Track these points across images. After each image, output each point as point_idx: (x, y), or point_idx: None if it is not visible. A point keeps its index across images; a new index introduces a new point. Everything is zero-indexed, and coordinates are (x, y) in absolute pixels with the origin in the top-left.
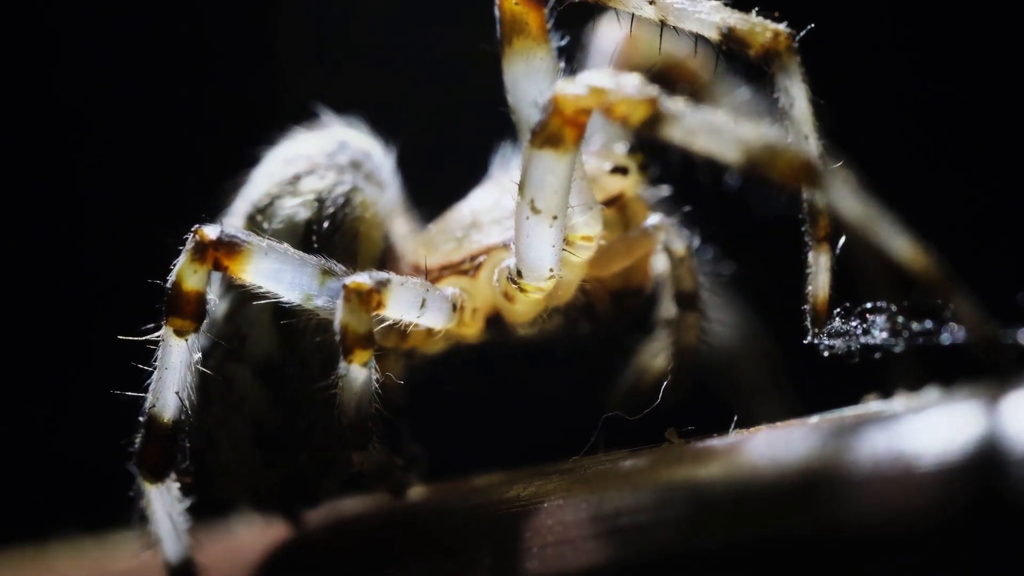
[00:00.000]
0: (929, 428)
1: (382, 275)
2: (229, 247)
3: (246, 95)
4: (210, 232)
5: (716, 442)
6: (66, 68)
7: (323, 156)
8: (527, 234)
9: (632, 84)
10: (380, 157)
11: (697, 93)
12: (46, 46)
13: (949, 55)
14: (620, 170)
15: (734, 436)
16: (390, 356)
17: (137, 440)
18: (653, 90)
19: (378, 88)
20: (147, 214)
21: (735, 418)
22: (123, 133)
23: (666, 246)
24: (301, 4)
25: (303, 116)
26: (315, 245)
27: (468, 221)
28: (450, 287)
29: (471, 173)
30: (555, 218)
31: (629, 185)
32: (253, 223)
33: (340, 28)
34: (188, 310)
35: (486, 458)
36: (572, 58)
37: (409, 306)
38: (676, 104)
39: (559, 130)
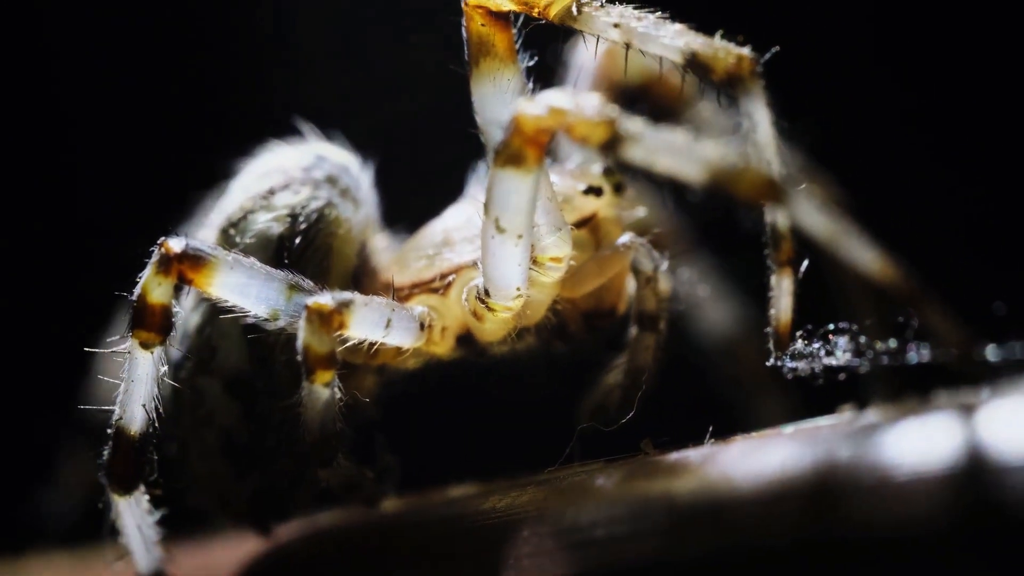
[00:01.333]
0: (905, 438)
1: (345, 295)
2: (194, 260)
3: (224, 107)
4: (175, 245)
5: (691, 453)
6: (38, 81)
7: (299, 170)
8: (493, 253)
9: (591, 105)
10: (357, 172)
11: (678, 108)
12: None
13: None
14: (594, 190)
15: (709, 447)
16: (361, 372)
17: (106, 452)
18: (613, 111)
19: (358, 103)
20: (121, 225)
21: (710, 428)
22: (101, 141)
23: (634, 266)
24: (283, 17)
25: (282, 129)
26: (286, 261)
27: (440, 239)
28: (419, 305)
29: (449, 190)
30: (520, 237)
31: (603, 206)
32: (226, 237)
33: (321, 42)
34: (153, 323)
35: (461, 469)
36: (552, 74)
37: (373, 326)
38: (636, 125)
39: (520, 149)
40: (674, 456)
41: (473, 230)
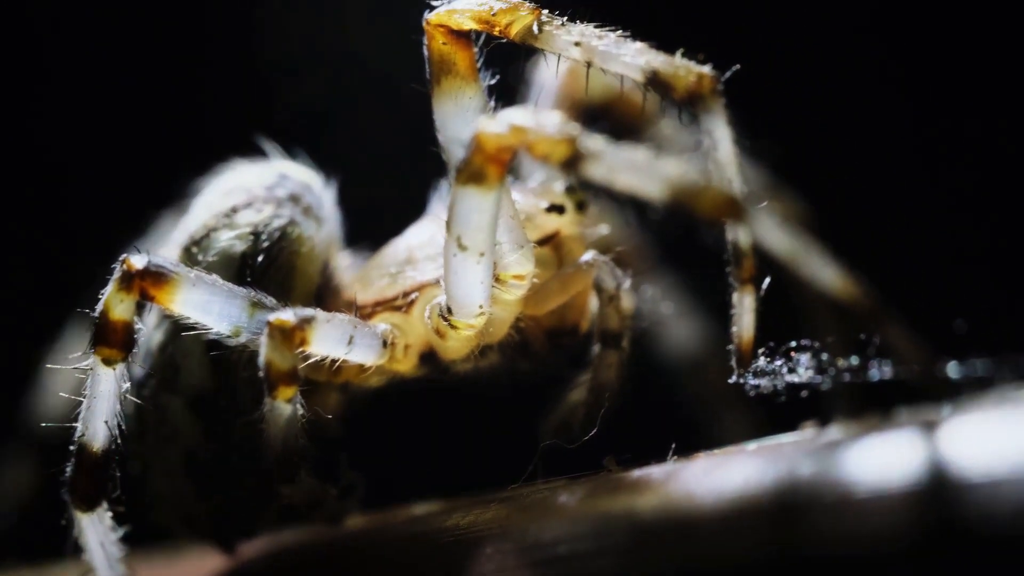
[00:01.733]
0: (866, 455)
1: (307, 312)
2: (156, 277)
3: (187, 125)
4: (137, 262)
5: (654, 470)
6: None
7: (262, 189)
8: (455, 271)
9: (552, 123)
10: (320, 191)
11: (640, 126)
12: None
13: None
14: (556, 208)
15: (672, 464)
16: (324, 390)
17: (68, 469)
18: (574, 129)
19: (321, 121)
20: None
21: (673, 446)
22: (61, 158)
23: (597, 283)
24: (247, 35)
25: (245, 147)
26: (249, 279)
27: (403, 257)
28: (383, 323)
29: (413, 208)
30: (482, 255)
31: (566, 223)
32: (189, 255)
33: (285, 60)
34: (115, 339)
35: (425, 487)
36: (514, 93)
37: (336, 343)
38: (597, 143)
39: (482, 167)
40: (637, 473)
41: (436, 248)
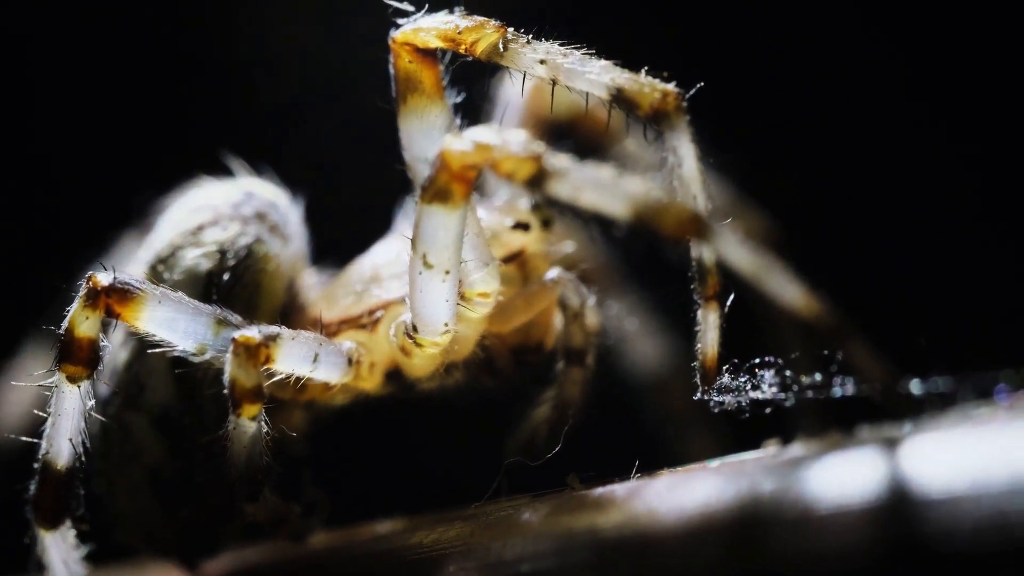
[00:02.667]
0: (828, 472)
1: (272, 329)
2: (122, 293)
3: (152, 142)
4: (103, 278)
5: (618, 487)
6: None
7: (228, 207)
8: (420, 289)
9: (517, 141)
10: (286, 208)
11: (605, 144)
12: None
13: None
14: (521, 226)
15: (636, 481)
16: (289, 407)
17: (32, 486)
18: (539, 147)
19: (288, 139)
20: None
21: (636, 463)
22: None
23: (562, 301)
24: (213, 52)
25: (211, 165)
26: (215, 297)
27: (368, 275)
28: (348, 341)
29: (377, 226)
30: (447, 273)
31: (531, 241)
32: (155, 273)
33: (250, 78)
34: (81, 356)
35: (389, 504)
36: (479, 111)
37: (301, 360)
38: (562, 161)
39: (447, 185)
40: (600, 490)
41: (401, 266)
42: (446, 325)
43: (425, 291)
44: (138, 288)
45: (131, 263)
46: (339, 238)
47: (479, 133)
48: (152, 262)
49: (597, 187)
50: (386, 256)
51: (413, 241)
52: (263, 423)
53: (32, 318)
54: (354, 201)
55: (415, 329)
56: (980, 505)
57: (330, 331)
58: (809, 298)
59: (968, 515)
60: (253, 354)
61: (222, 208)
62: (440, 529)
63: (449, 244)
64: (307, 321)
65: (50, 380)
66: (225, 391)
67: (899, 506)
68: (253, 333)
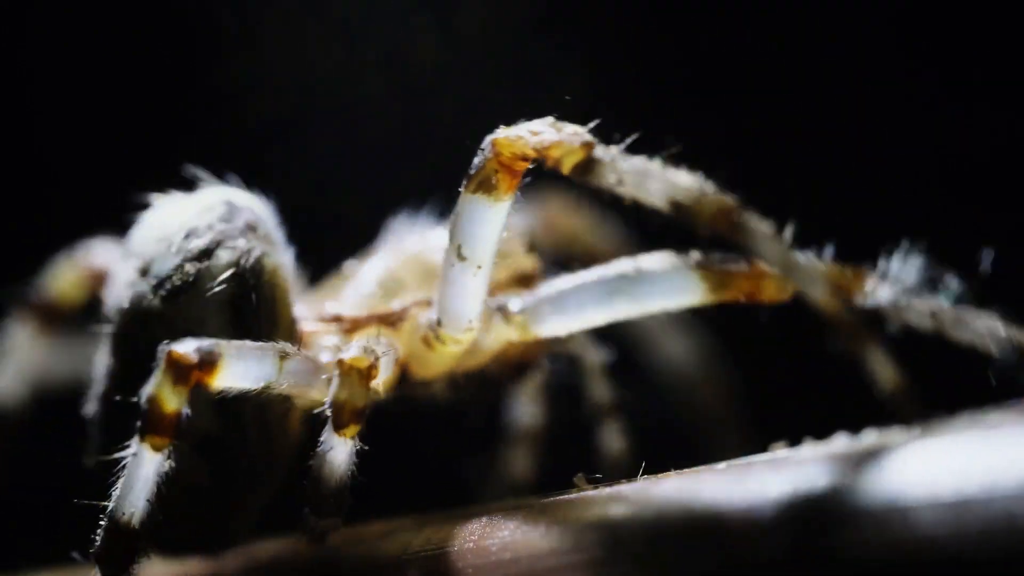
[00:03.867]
0: (837, 474)
1: (372, 346)
2: (209, 364)
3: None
4: (190, 354)
5: (625, 488)
6: None
7: (219, 222)
8: (451, 281)
9: (569, 130)
10: (265, 212)
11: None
12: None
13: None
14: (535, 248)
15: (642, 482)
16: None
17: (98, 540)
18: (588, 135)
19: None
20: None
21: (643, 464)
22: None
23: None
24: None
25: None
26: (244, 323)
27: (390, 276)
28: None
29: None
30: (479, 268)
31: (541, 270)
32: (175, 307)
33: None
34: (166, 428)
35: (396, 502)
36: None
37: (388, 367)
38: (610, 151)
39: (494, 175)
40: (608, 490)
41: (427, 267)
42: (470, 322)
43: (455, 283)
44: (217, 351)
45: (118, 294)
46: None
47: (532, 124)
48: (167, 294)
49: (643, 177)
50: (412, 255)
51: (450, 231)
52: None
53: None
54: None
55: (440, 323)
56: (988, 508)
57: (349, 328)
58: (835, 298)
59: (975, 518)
60: (365, 375)
61: (216, 224)
62: (447, 528)
63: (486, 238)
64: (310, 325)
65: (131, 450)
66: (328, 413)
67: (908, 508)
68: (360, 353)
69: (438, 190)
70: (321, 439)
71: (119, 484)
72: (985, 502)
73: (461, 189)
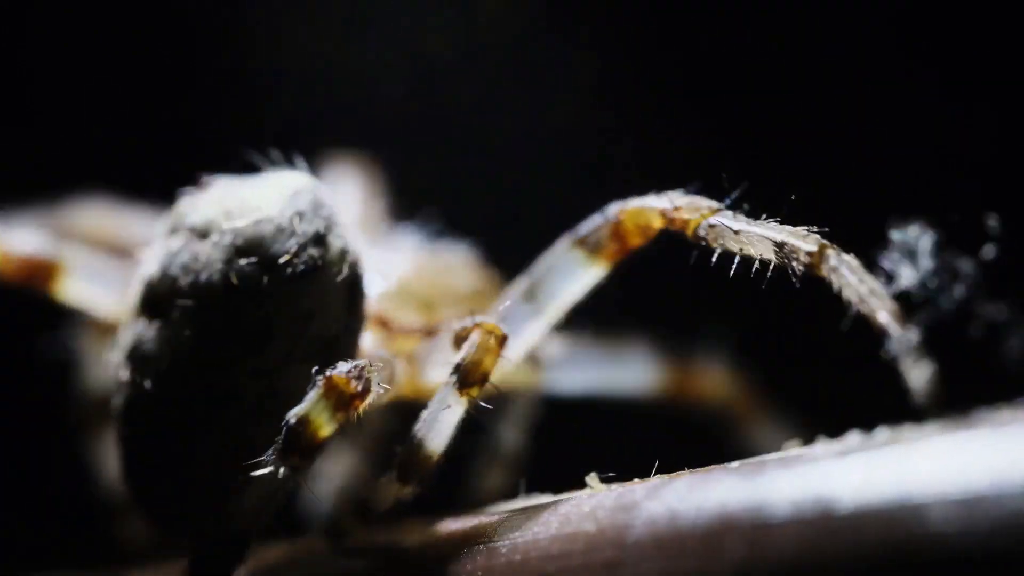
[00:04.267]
0: (847, 473)
1: (491, 319)
2: (366, 390)
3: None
4: (352, 381)
5: (638, 487)
6: None
7: (319, 207)
8: (509, 313)
9: (688, 199)
10: (324, 194)
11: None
12: None
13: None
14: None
15: (656, 480)
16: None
17: (197, 547)
18: (713, 203)
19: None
20: None
21: (656, 463)
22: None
23: None
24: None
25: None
26: (356, 308)
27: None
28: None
29: None
30: (540, 316)
31: None
32: (294, 300)
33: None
34: (311, 451)
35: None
36: None
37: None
38: (731, 219)
39: (607, 241)
40: (620, 489)
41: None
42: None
43: (511, 318)
44: (367, 375)
45: (216, 270)
46: None
47: (657, 200)
48: (294, 277)
49: (756, 240)
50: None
51: (535, 266)
52: None
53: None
54: None
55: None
56: (1001, 504)
57: (432, 330)
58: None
59: (987, 514)
60: (500, 341)
61: (322, 209)
62: (456, 527)
63: (563, 295)
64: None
65: (267, 470)
66: (456, 374)
67: (922, 508)
68: (492, 320)
69: (440, 191)
70: (438, 396)
71: (246, 495)
72: (996, 499)
73: (564, 239)
